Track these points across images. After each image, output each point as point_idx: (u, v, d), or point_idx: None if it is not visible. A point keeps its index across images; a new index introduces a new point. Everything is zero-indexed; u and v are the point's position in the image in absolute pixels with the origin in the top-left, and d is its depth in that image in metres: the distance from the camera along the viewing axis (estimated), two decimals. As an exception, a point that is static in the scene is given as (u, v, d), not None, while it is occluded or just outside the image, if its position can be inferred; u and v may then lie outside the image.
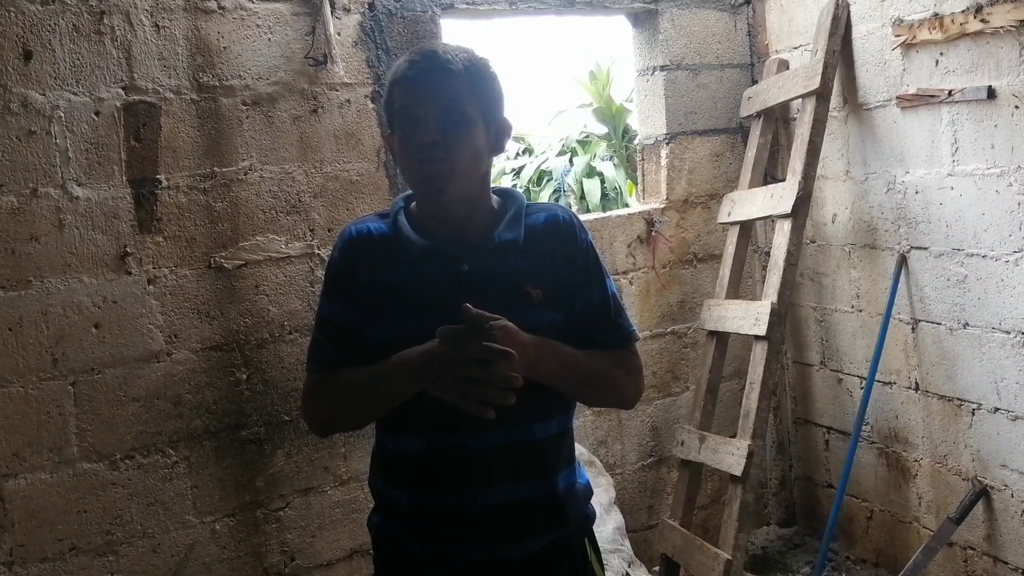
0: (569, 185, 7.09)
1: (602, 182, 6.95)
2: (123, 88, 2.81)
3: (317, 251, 3.13)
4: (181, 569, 2.95)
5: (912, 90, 3.38)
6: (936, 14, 3.22)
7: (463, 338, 1.68)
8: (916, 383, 3.56)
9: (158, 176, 2.87)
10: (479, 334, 1.68)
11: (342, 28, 3.14)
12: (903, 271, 3.53)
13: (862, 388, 3.72)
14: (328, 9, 3.06)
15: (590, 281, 1.98)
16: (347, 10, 3.15)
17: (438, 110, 1.83)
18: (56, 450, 2.76)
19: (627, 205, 6.40)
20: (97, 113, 2.77)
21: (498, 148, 1.97)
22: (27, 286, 2.70)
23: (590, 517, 2.06)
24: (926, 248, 3.43)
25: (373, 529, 2.04)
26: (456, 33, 3.71)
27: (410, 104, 1.85)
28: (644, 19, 3.94)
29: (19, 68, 2.66)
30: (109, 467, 2.84)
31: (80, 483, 2.80)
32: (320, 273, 3.10)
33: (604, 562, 3.06)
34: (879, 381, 3.69)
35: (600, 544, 3.12)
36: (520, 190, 7.37)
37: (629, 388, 2.04)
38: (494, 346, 1.68)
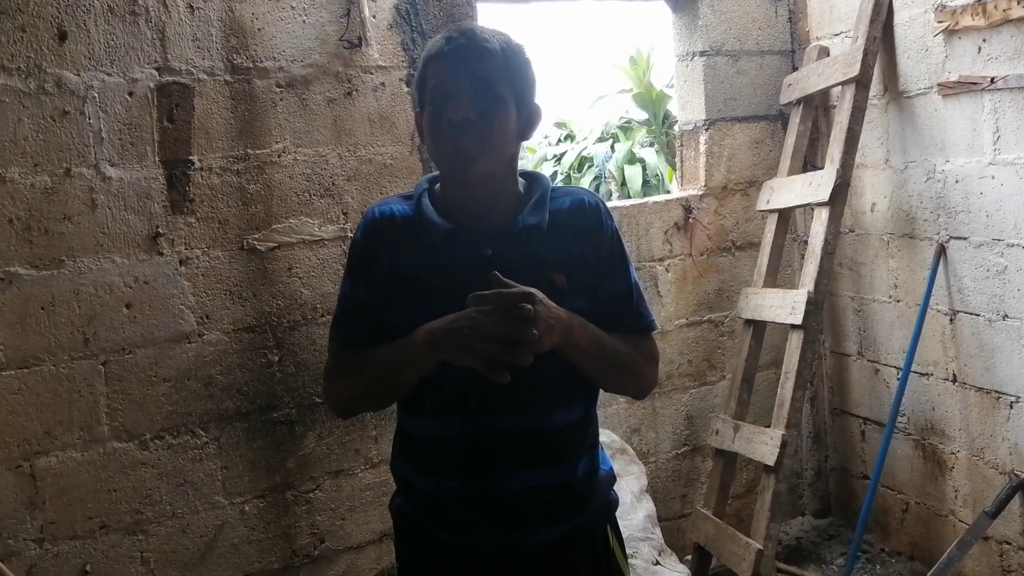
0: (610, 172, 7.07)
1: (643, 169, 6.91)
2: (157, 69, 2.82)
3: (350, 234, 3.12)
4: (210, 550, 2.97)
5: (954, 77, 3.31)
6: (979, 0, 3.14)
7: (496, 299, 1.68)
8: (954, 375, 3.50)
9: (191, 157, 2.88)
10: (515, 297, 1.68)
11: (377, 10, 3.13)
12: (942, 261, 3.47)
13: (899, 379, 3.66)
14: (363, -9, 3.05)
15: (615, 268, 1.96)
16: (382, -8, 3.14)
17: (472, 87, 1.81)
18: (87, 429, 2.78)
19: (668, 192, 6.37)
20: (131, 94, 2.79)
21: (527, 133, 1.95)
22: (60, 265, 2.72)
23: (612, 504, 2.04)
24: (966, 238, 3.37)
25: (395, 512, 2.04)
26: (494, 17, 3.69)
27: (444, 80, 1.83)
28: (684, 4, 3.90)
29: (54, 48, 2.68)
30: (139, 447, 2.86)
31: (110, 462, 2.82)
32: (353, 256, 3.10)
33: (633, 550, 3.05)
34: (916, 372, 3.64)
35: (630, 532, 3.12)
36: (560, 176, 7.40)
37: (647, 377, 2.02)
38: (526, 306, 1.67)
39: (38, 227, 2.69)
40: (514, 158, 1.94)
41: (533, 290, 1.72)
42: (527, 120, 1.93)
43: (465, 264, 1.83)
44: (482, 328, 1.67)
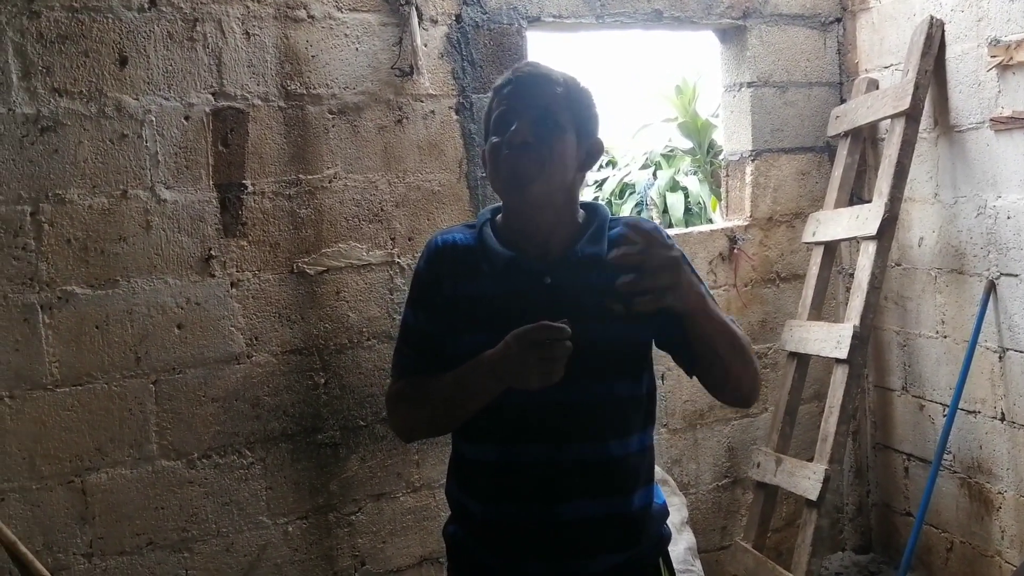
0: (652, 199, 7.06)
1: (686, 196, 6.90)
2: (212, 94, 2.88)
3: (397, 259, 3.16)
4: (253, 569, 3.00)
5: (1007, 112, 3.28)
6: (1035, 35, 3.13)
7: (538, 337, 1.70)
8: (1002, 413, 3.46)
9: (244, 181, 2.93)
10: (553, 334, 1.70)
11: (429, 39, 3.17)
12: (991, 298, 3.43)
13: (944, 416, 3.62)
14: (416, 20, 3.09)
15: None
16: (434, 22, 3.18)
17: (534, 116, 1.85)
18: (136, 446, 2.83)
19: (711, 220, 6.35)
20: (187, 118, 2.84)
21: (588, 165, 1.98)
22: (114, 285, 2.77)
23: (665, 537, 2.04)
24: (1017, 275, 3.33)
25: (448, 538, 2.06)
26: (542, 47, 3.71)
27: (508, 110, 1.88)
28: (732, 35, 3.90)
29: (115, 73, 2.75)
30: (187, 465, 2.90)
31: (158, 480, 2.86)
32: (400, 281, 3.14)
33: (674, 582, 3.03)
34: (963, 409, 3.59)
35: (671, 564, 3.11)
36: (602, 202, 7.39)
37: (758, 377, 1.96)
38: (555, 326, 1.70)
39: (95, 247, 2.74)
40: (573, 187, 1.96)
41: (678, 255, 1.70)
42: (588, 152, 1.95)
43: (525, 292, 1.85)
44: (521, 345, 1.70)
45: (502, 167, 1.88)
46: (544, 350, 1.68)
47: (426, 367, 1.93)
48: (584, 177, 2.02)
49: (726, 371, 1.89)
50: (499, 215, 2.01)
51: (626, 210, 7.14)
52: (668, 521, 2.06)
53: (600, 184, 7.68)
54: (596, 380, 1.82)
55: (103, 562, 2.80)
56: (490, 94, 1.96)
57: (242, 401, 2.97)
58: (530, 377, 1.71)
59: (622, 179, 7.50)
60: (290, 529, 3.06)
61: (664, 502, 2.05)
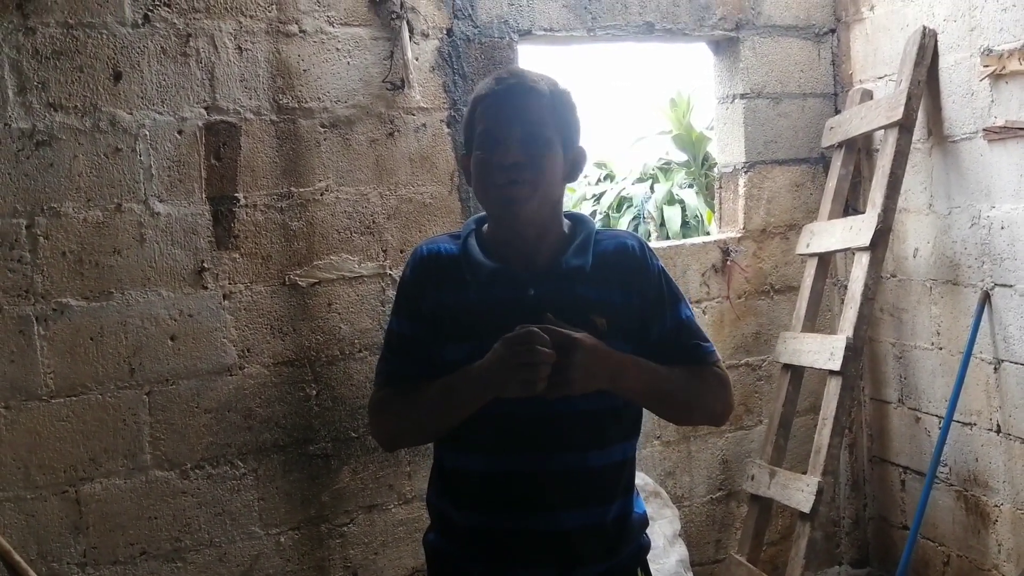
0: (649, 212, 7.08)
1: (683, 210, 6.92)
2: (205, 108, 2.90)
3: (389, 271, 3.18)
4: (245, 579, 3.01)
5: (1000, 122, 3.29)
6: (1026, 46, 3.14)
7: (528, 334, 1.72)
8: (998, 425, 3.45)
9: (236, 194, 2.95)
10: (556, 336, 1.74)
11: (420, 53, 3.20)
12: (986, 309, 3.43)
13: (940, 428, 3.61)
14: (407, 34, 3.11)
15: (664, 310, 1.97)
16: (425, 35, 3.20)
17: (523, 132, 1.85)
18: (130, 457, 2.85)
19: (707, 233, 6.36)
20: (180, 132, 2.87)
21: (573, 176, 1.99)
22: (108, 298, 2.80)
23: (644, 547, 2.04)
24: (1011, 286, 3.33)
25: (428, 546, 2.07)
26: (534, 60, 3.73)
27: (494, 125, 1.87)
28: (725, 47, 3.92)
29: (109, 88, 2.77)
30: (180, 476, 2.91)
31: (152, 490, 2.88)
32: (391, 293, 3.15)
33: (665, 593, 3.03)
34: (958, 421, 3.59)
35: (662, 576, 3.11)
36: (599, 216, 7.43)
37: (717, 404, 2.02)
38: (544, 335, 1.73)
39: (89, 260, 2.77)
40: (560, 200, 1.97)
41: (579, 336, 1.75)
42: (573, 163, 1.96)
43: (508, 303, 1.86)
44: (506, 361, 1.73)
45: (492, 191, 1.88)
46: (525, 351, 1.70)
47: (410, 375, 1.94)
48: (566, 187, 2.04)
49: (666, 418, 2.10)
50: (484, 225, 2.02)
51: (624, 223, 7.14)
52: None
53: (598, 198, 7.69)
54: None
55: (97, 571, 2.81)
56: (471, 101, 1.96)
57: (234, 412, 2.98)
58: (511, 382, 1.73)
59: (619, 192, 7.51)
60: (282, 540, 3.07)
61: (644, 511, 2.05)
